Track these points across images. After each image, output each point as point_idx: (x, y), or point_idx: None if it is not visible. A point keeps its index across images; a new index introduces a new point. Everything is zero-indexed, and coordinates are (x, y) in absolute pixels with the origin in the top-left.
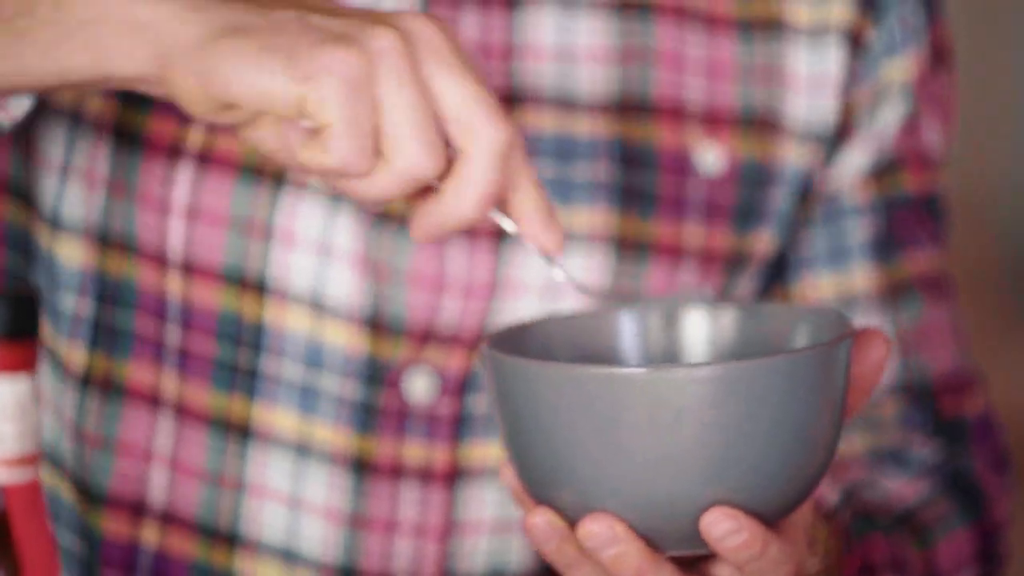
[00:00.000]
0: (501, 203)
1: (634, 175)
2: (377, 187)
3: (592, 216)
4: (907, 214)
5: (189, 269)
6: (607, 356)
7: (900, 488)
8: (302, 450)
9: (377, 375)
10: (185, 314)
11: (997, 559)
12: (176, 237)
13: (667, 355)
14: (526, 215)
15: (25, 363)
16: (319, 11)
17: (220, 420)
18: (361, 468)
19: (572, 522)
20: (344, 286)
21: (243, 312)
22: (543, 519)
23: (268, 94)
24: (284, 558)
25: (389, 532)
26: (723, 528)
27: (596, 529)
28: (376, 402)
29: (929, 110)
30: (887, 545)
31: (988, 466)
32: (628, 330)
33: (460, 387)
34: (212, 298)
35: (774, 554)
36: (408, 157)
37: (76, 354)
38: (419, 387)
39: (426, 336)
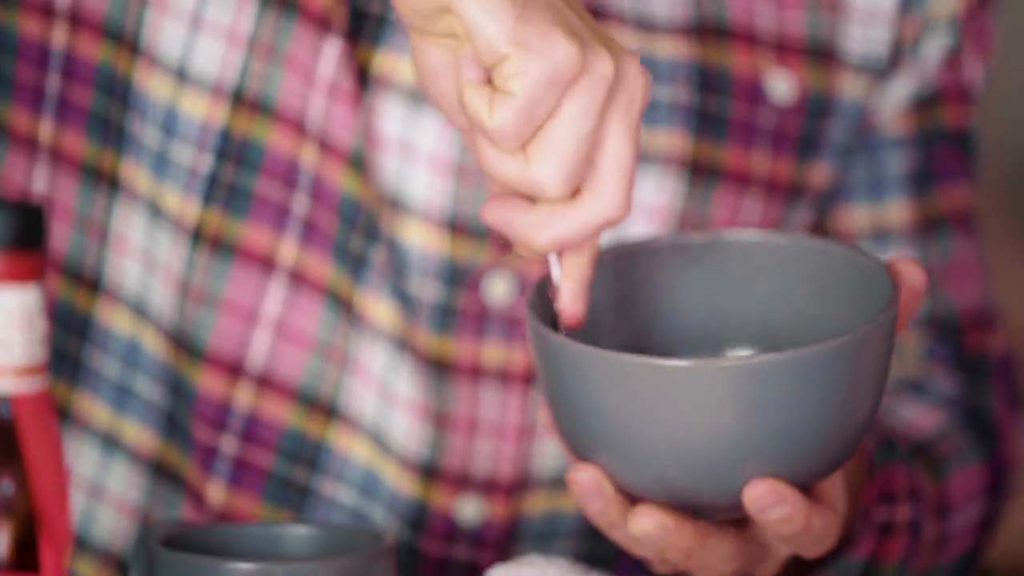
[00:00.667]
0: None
1: (710, 100)
2: (553, 230)
3: (671, 138)
4: (944, 148)
5: (324, 144)
6: (647, 299)
7: (918, 417)
8: (397, 342)
9: (457, 277)
10: (316, 185)
11: (1005, 495)
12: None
13: (707, 300)
14: (569, 278)
15: (33, 273)
16: (576, 10)
17: (334, 295)
18: (442, 367)
19: (615, 482)
20: (427, 189)
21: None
22: (588, 475)
23: (483, 30)
24: (375, 441)
25: (470, 432)
26: (767, 501)
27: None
28: (456, 303)
29: (972, 45)
30: (907, 474)
31: (1005, 404)
32: (670, 268)
33: None
34: (339, 179)
35: (818, 528)
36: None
37: (189, 208)
38: (499, 290)
39: (509, 243)
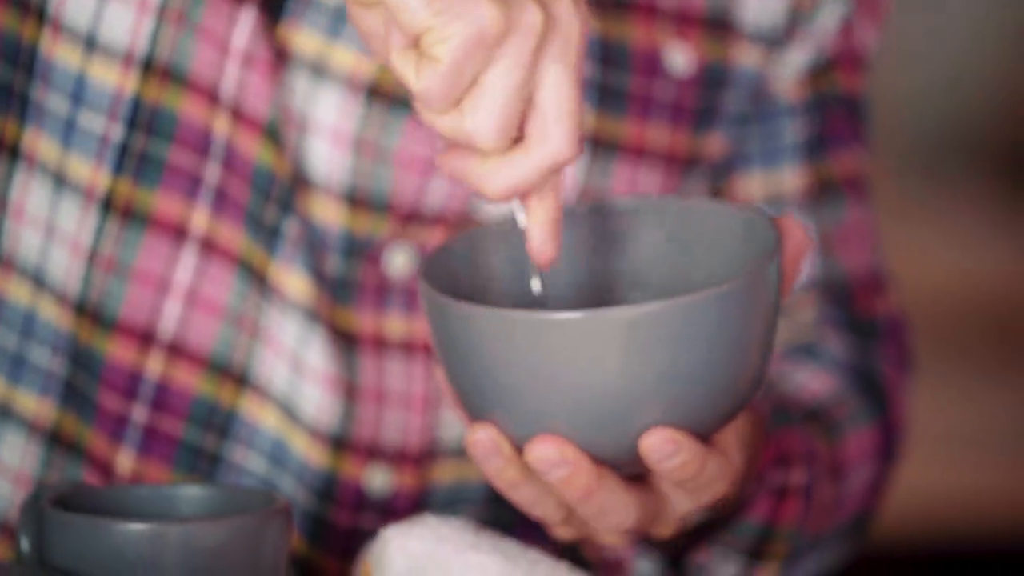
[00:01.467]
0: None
1: (610, 74)
2: (507, 178)
3: None
4: (837, 114)
5: (237, 114)
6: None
7: (811, 380)
8: (309, 314)
9: (357, 249)
10: (228, 155)
11: (896, 455)
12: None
13: (597, 259)
14: (536, 222)
15: None
16: None
17: (245, 265)
18: (348, 340)
19: (512, 442)
20: (327, 163)
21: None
22: (485, 435)
23: (402, 3)
24: (285, 412)
25: (379, 403)
26: (663, 451)
27: (545, 452)
28: (356, 276)
29: (864, 11)
30: (801, 437)
31: (895, 366)
32: (561, 238)
33: None
34: (253, 149)
35: (711, 471)
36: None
37: (99, 177)
38: (399, 262)
39: (410, 216)
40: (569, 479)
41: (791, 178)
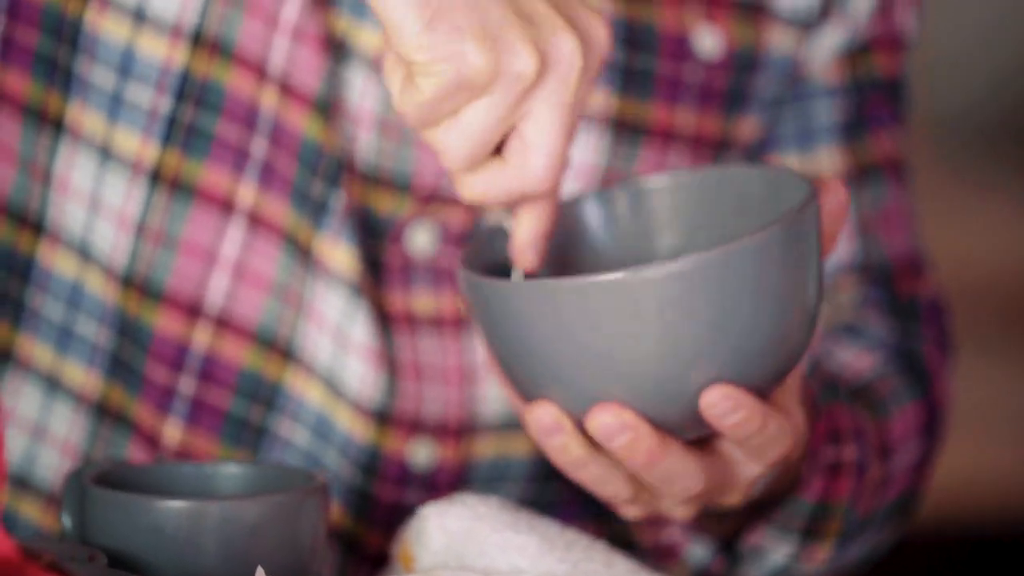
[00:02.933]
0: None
1: (636, 57)
2: (481, 187)
3: (595, 96)
4: (876, 96)
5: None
6: (579, 248)
7: (854, 359)
8: (354, 289)
9: (379, 230)
10: (275, 129)
11: (940, 435)
12: None
13: (637, 235)
14: (520, 230)
15: None
16: None
17: (291, 239)
18: (384, 317)
19: (571, 417)
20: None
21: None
22: (544, 411)
23: (393, 34)
24: (329, 386)
25: (418, 378)
26: (723, 408)
27: (605, 419)
28: (381, 256)
29: None
30: (851, 415)
31: (936, 347)
32: (596, 217)
33: (461, 238)
34: (301, 123)
35: (773, 429)
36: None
37: (148, 150)
38: (420, 240)
39: (431, 196)
40: (632, 444)
41: (828, 160)
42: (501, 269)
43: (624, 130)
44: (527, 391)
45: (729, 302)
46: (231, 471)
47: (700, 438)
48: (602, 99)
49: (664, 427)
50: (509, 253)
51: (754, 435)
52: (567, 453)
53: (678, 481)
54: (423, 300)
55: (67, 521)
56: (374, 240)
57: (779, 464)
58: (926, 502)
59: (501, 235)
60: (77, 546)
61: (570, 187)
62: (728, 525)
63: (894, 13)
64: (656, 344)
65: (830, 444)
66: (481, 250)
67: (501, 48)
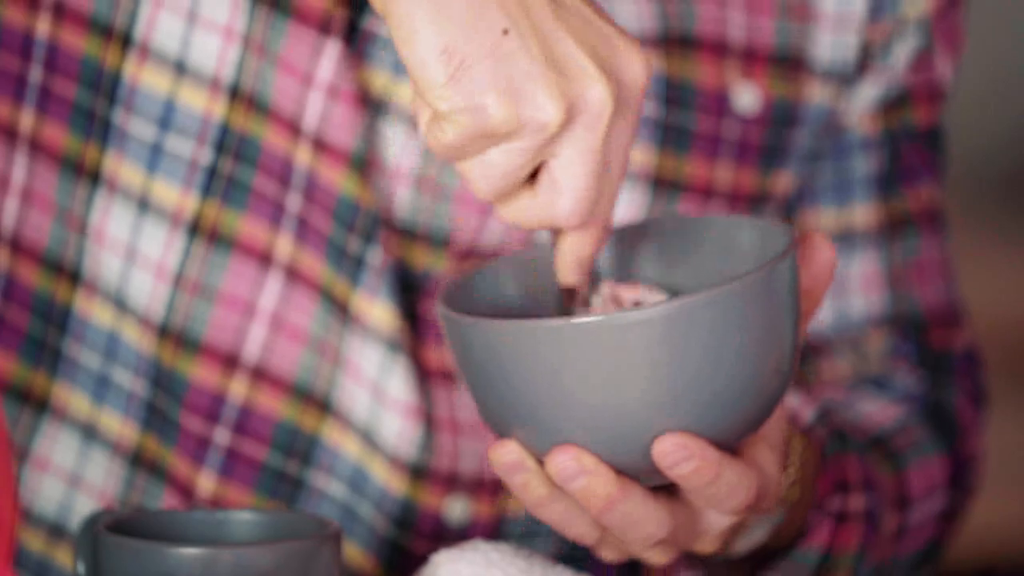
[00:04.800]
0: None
1: (675, 113)
2: (513, 215)
3: (635, 153)
4: (911, 147)
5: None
6: (553, 292)
7: (877, 412)
8: (392, 344)
9: (416, 285)
10: (309, 185)
11: (968, 489)
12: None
13: (618, 277)
14: (560, 252)
15: None
16: (535, 29)
17: (327, 294)
18: (424, 371)
19: (536, 457)
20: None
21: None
22: (507, 450)
23: (418, 82)
24: (366, 440)
25: (455, 433)
26: (675, 457)
27: (563, 460)
28: (417, 311)
29: (942, 43)
30: (861, 465)
31: (968, 400)
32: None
33: None
34: (336, 180)
35: (730, 479)
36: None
37: (188, 201)
38: None
39: (468, 252)
40: (589, 487)
41: (862, 213)
42: (485, 306)
43: (663, 186)
44: (498, 428)
45: (698, 351)
46: (244, 518)
47: (667, 484)
48: (641, 155)
49: (625, 472)
50: (559, 280)
51: (708, 485)
52: (529, 492)
53: (640, 526)
54: None
55: (81, 568)
56: (411, 295)
57: (745, 513)
58: (963, 548)
59: (487, 274)
60: None
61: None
62: (738, 573)
63: (933, 64)
64: (618, 389)
65: (837, 494)
66: (465, 284)
67: (524, 101)
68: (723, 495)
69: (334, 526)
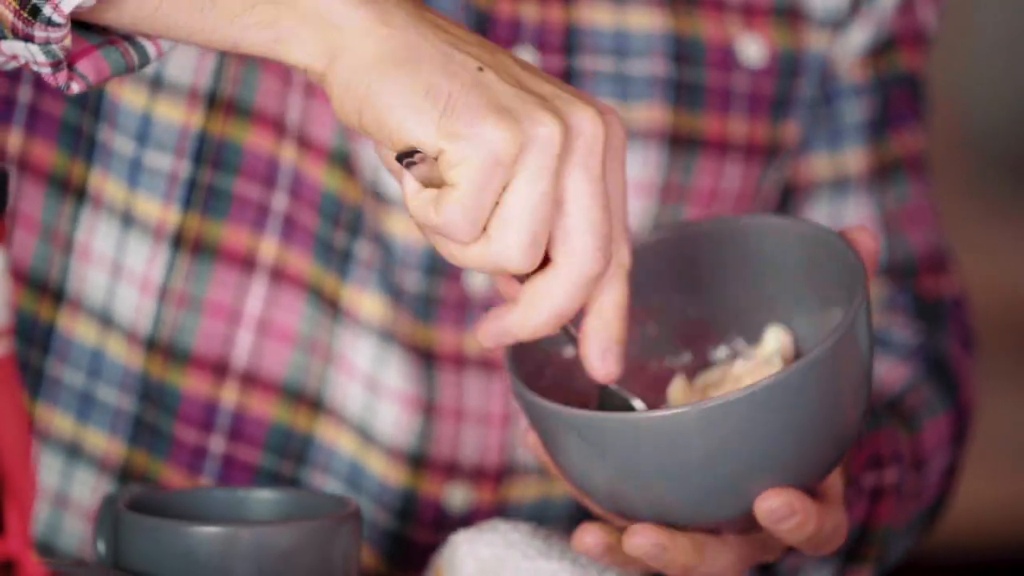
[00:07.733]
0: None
1: (686, 69)
2: (550, 297)
3: (650, 112)
4: (899, 92)
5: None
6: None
7: (885, 372)
8: (385, 335)
9: (439, 266)
10: (295, 183)
11: (966, 439)
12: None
13: (675, 288)
14: (591, 336)
15: None
16: (506, 69)
17: (316, 290)
18: (427, 357)
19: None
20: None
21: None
22: (592, 539)
23: (411, 136)
24: (360, 434)
25: (457, 420)
26: (780, 514)
27: (640, 543)
28: (437, 293)
29: None
30: (889, 437)
31: (961, 346)
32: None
33: (521, 276)
34: (320, 176)
35: (829, 528)
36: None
37: (169, 214)
38: (479, 278)
39: None
40: (668, 559)
41: (855, 159)
42: (543, 353)
43: (680, 144)
44: (609, 506)
45: (776, 426)
46: (264, 496)
47: None
48: (656, 114)
49: (711, 528)
50: (586, 367)
51: (810, 537)
52: (613, 561)
53: (716, 573)
54: (475, 340)
55: (101, 546)
56: (432, 277)
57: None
58: (948, 528)
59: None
60: (109, 571)
61: (630, 205)
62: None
63: (916, 8)
64: (698, 474)
65: (872, 470)
66: (525, 347)
67: (520, 118)
68: (823, 543)
69: (353, 505)
